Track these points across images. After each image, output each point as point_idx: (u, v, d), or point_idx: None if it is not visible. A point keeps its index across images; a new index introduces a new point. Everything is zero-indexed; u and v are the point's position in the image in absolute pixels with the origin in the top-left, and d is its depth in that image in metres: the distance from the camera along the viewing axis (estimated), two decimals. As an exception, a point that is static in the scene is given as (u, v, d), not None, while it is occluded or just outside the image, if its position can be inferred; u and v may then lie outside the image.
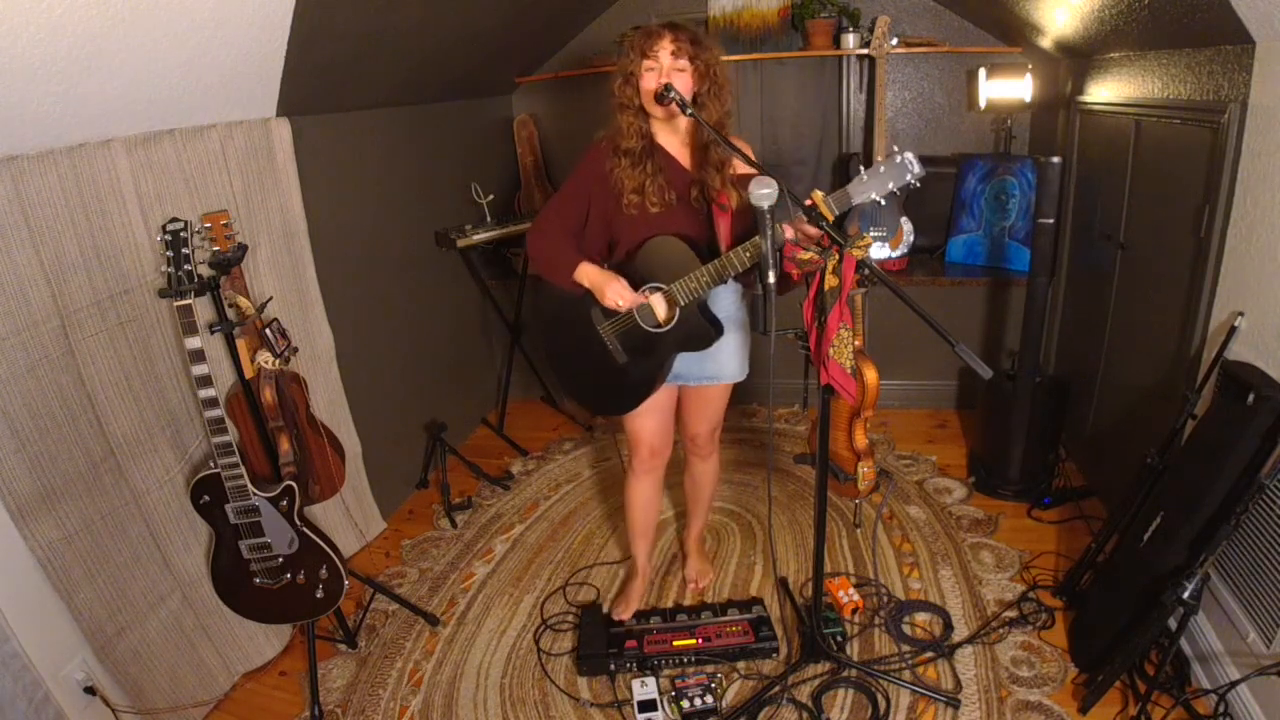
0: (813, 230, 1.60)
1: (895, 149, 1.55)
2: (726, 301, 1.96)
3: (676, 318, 1.81)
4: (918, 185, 1.54)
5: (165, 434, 1.98)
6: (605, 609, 2.30)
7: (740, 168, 1.81)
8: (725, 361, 1.99)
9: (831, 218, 1.59)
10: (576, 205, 1.87)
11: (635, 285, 1.81)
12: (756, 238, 1.63)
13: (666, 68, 1.71)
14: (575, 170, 1.89)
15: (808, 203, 1.59)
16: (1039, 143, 3.33)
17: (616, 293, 1.77)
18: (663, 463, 2.15)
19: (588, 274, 1.81)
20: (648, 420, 2.05)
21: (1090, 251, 2.78)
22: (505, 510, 2.94)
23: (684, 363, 1.96)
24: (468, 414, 3.58)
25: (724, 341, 1.91)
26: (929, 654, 2.05)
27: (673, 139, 1.85)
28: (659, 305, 1.82)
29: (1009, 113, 3.34)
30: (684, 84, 1.72)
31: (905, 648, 2.09)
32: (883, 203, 1.58)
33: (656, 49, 1.71)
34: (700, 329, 1.81)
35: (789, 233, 1.67)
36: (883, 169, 1.54)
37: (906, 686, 1.94)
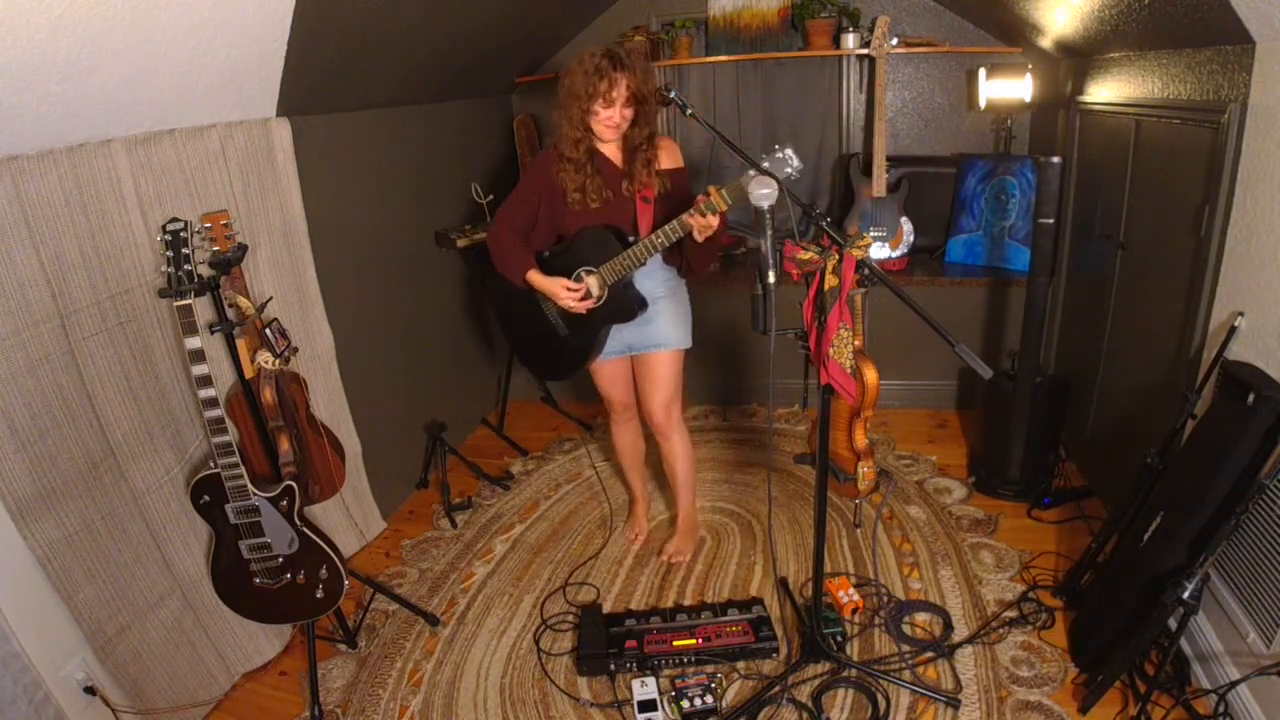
0: (712, 220, 1.86)
1: (776, 146, 1.79)
2: (661, 279, 2.21)
3: (606, 295, 2.11)
4: (796, 176, 1.76)
5: (165, 434, 1.98)
6: (605, 608, 2.31)
7: (664, 163, 2.11)
8: (667, 330, 2.25)
9: (725, 208, 1.84)
10: (527, 206, 2.13)
11: (572, 268, 2.11)
12: (667, 225, 1.94)
13: (619, 107, 1.96)
14: (525, 175, 2.17)
15: (701, 198, 1.86)
16: (1039, 143, 3.33)
17: (568, 299, 2.09)
18: (635, 413, 2.51)
19: (538, 281, 2.12)
20: (610, 387, 2.42)
21: (1090, 251, 2.78)
22: (505, 510, 2.94)
23: (631, 334, 2.25)
24: (468, 414, 3.58)
25: (661, 313, 2.22)
26: (929, 654, 2.05)
27: (609, 145, 2.09)
28: (593, 285, 2.11)
29: (1009, 113, 3.34)
30: (628, 114, 1.98)
31: (905, 648, 2.09)
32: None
33: (614, 94, 1.94)
34: (626, 303, 2.13)
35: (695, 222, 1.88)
36: (766, 164, 1.75)
37: (906, 686, 1.94)
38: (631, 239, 2.05)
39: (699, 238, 1.92)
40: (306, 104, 2.34)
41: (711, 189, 1.83)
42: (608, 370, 2.36)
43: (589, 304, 2.11)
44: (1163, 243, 2.20)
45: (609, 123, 1.97)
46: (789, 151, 1.76)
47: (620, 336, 2.25)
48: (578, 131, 2.00)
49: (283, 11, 1.86)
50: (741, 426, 3.46)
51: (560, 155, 2.04)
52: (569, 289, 2.08)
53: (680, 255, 2.16)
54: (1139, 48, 2.30)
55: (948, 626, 2.14)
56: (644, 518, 2.70)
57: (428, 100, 3.12)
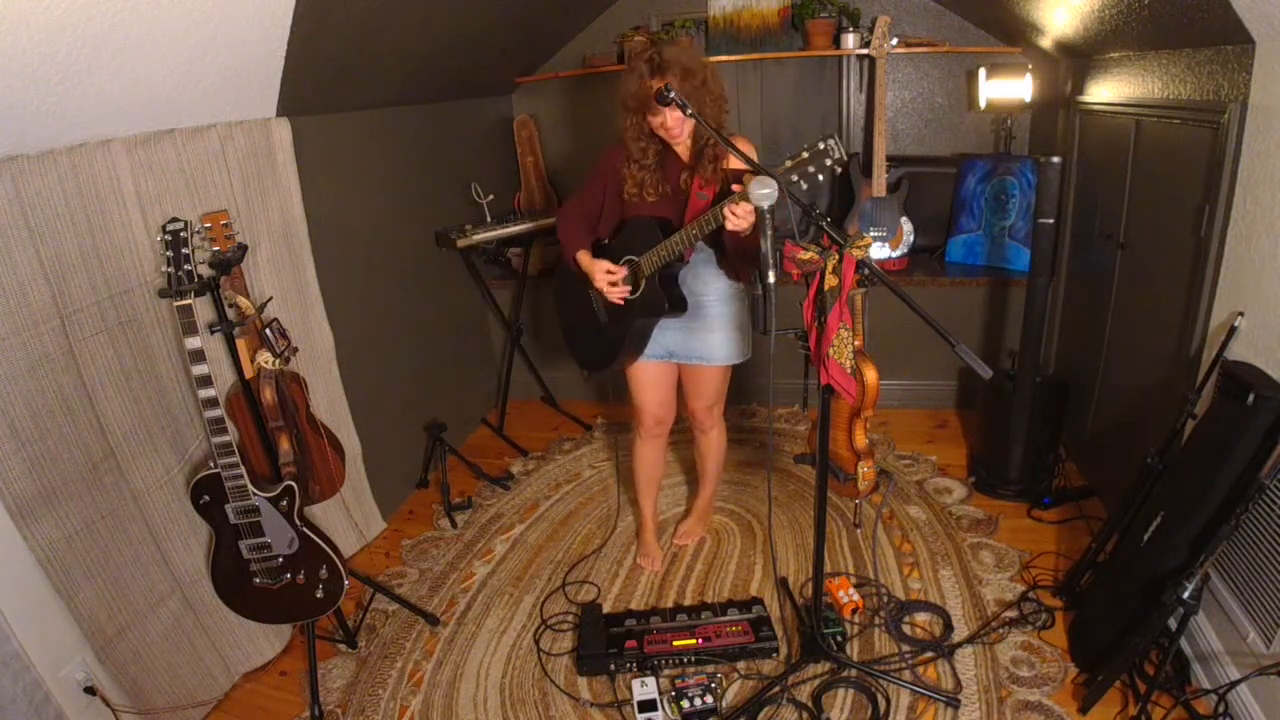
0: (746, 209, 1.72)
1: (821, 136, 1.63)
2: (715, 286, 2.14)
3: (643, 286, 2.04)
4: (839, 169, 1.64)
5: (165, 434, 1.98)
6: (606, 608, 2.31)
7: (734, 162, 1.93)
8: (716, 344, 2.17)
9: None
10: (594, 196, 2.16)
11: (618, 257, 2.08)
12: (704, 215, 1.83)
13: (667, 112, 1.87)
14: (594, 167, 2.18)
15: (737, 186, 1.71)
16: (1039, 143, 3.33)
17: (603, 280, 2.06)
18: (665, 429, 2.40)
19: (582, 261, 2.11)
20: (645, 392, 2.30)
21: (1090, 251, 2.78)
22: (505, 510, 2.94)
23: (674, 340, 2.19)
24: (468, 414, 3.58)
25: (711, 322, 2.15)
26: (929, 654, 2.05)
27: (681, 144, 2.01)
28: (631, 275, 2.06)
29: (1009, 113, 3.34)
30: (678, 116, 1.86)
31: (905, 648, 2.09)
32: (805, 185, 1.65)
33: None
34: (656, 298, 2.03)
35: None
36: (806, 154, 1.62)
37: (906, 686, 1.94)
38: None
39: (730, 226, 1.77)
40: (306, 104, 2.34)
41: (747, 176, 1.67)
42: (646, 374, 2.26)
43: (623, 292, 2.06)
44: (1163, 243, 2.20)
45: (662, 129, 1.92)
46: (832, 142, 1.60)
47: (663, 340, 2.18)
48: (643, 140, 1.99)
49: (283, 11, 1.86)
50: (741, 426, 3.46)
51: (628, 156, 2.03)
52: (608, 271, 2.04)
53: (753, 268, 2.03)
54: (1139, 48, 2.30)
55: (948, 626, 2.14)
56: (656, 544, 2.57)
57: (428, 100, 3.12)
